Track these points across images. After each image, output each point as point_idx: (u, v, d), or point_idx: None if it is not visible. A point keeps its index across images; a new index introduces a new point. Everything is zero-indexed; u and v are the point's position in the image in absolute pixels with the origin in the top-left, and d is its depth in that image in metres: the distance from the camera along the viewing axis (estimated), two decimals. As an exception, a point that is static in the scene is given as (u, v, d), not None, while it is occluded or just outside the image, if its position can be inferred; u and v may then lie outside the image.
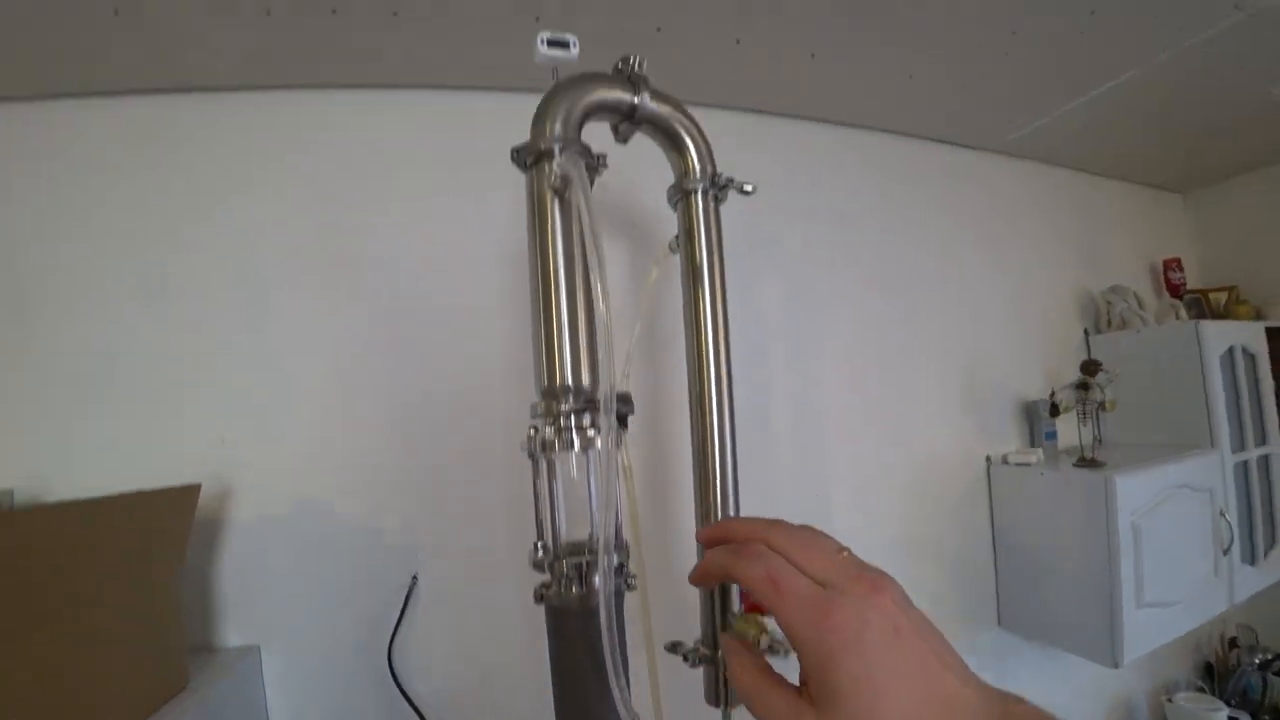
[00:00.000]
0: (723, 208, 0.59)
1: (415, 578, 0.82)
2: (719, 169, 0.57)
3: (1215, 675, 1.44)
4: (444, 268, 0.88)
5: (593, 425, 0.43)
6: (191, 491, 0.69)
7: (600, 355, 0.44)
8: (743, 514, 0.57)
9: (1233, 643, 1.48)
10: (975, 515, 1.17)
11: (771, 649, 0.52)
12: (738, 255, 0.64)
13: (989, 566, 1.17)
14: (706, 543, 0.37)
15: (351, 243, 0.85)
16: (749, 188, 0.58)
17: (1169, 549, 1.06)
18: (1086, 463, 1.11)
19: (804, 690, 0.28)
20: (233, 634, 0.79)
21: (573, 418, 0.43)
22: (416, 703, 0.80)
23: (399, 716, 0.80)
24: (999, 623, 1.17)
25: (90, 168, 0.79)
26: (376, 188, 0.86)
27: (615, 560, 0.44)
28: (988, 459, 1.19)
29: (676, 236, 0.59)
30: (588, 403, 0.44)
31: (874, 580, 0.27)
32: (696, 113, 0.57)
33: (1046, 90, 1.07)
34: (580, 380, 0.44)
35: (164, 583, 0.67)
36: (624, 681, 0.40)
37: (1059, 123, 1.16)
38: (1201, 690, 1.38)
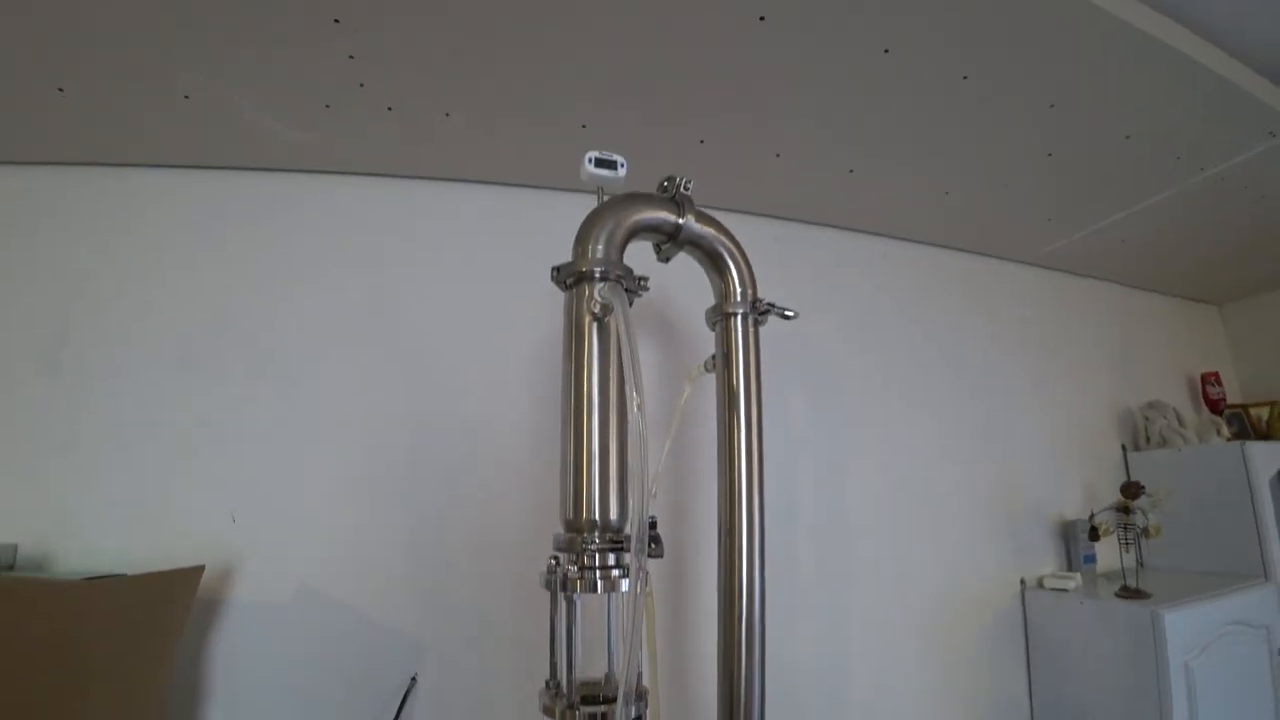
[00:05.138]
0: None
1: (414, 679, 0.77)
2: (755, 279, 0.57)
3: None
4: (475, 363, 0.87)
5: (618, 566, 0.41)
6: (194, 574, 0.67)
7: (632, 488, 0.42)
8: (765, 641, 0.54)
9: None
10: (1009, 646, 1.09)
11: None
12: (764, 363, 0.62)
13: (1023, 703, 1.08)
14: None
15: (386, 328, 0.86)
16: (790, 313, 0.57)
17: (1225, 694, 0.97)
18: (1130, 593, 1.03)
19: None
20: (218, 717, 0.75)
21: (598, 556, 0.40)
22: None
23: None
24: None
25: (145, 235, 0.82)
26: (414, 278, 0.88)
27: (634, 713, 0.41)
28: (1022, 581, 1.12)
29: (713, 356, 0.58)
30: (614, 541, 0.42)
31: None
32: (732, 218, 0.57)
33: (1081, 207, 1.07)
34: (608, 515, 0.42)
35: (156, 667, 0.64)
36: None
37: (1095, 237, 1.16)
38: None
